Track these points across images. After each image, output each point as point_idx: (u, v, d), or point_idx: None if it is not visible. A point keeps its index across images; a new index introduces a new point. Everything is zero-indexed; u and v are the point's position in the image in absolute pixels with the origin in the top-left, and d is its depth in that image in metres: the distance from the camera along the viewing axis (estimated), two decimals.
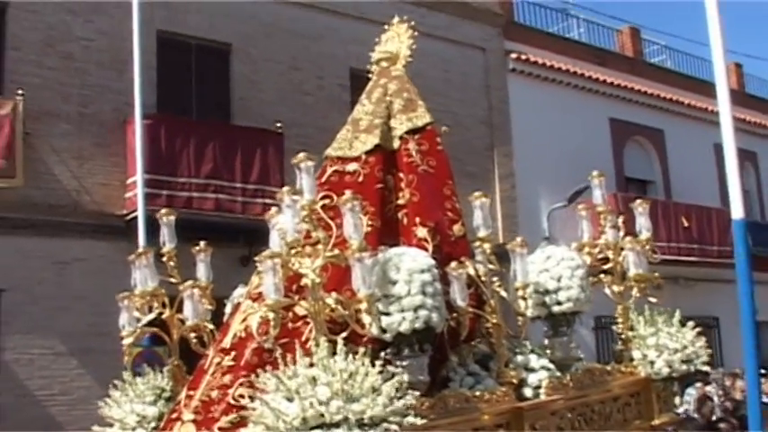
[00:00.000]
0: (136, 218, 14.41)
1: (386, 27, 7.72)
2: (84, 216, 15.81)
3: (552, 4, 24.57)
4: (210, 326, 6.86)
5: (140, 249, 6.89)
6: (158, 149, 16.02)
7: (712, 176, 24.96)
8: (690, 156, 24.90)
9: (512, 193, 21.53)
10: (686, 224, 22.76)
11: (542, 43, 23.06)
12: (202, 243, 7.16)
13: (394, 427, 5.10)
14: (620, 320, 7.47)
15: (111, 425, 6.83)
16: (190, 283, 6.82)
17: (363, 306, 5.55)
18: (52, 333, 15.15)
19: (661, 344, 7.23)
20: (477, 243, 6.60)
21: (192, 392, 6.15)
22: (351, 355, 5.22)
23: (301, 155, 5.83)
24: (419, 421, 5.31)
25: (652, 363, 7.23)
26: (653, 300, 7.48)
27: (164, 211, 7.19)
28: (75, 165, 15.94)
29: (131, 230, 14.61)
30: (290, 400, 5.07)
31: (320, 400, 5.01)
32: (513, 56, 22.13)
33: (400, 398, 5.23)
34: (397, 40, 7.56)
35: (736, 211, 6.59)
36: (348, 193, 5.76)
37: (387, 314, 5.79)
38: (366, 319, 5.61)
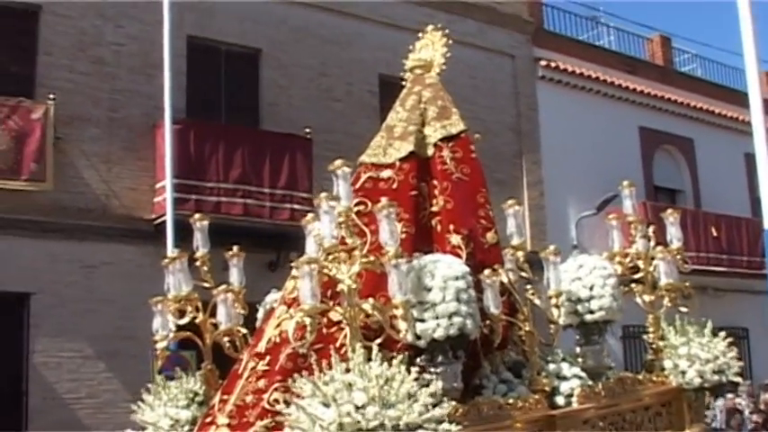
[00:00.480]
0: (164, 222, 14.54)
1: (419, 35, 7.79)
2: (113, 220, 15.97)
3: (582, 11, 24.65)
4: (243, 330, 6.95)
5: (173, 254, 6.98)
6: (187, 154, 16.15)
7: (742, 186, 24.94)
8: (720, 165, 24.88)
9: (540, 200, 21.56)
10: (715, 234, 22.71)
11: (572, 51, 23.10)
12: (235, 248, 7.23)
13: None
14: (651, 330, 7.51)
15: (144, 428, 6.92)
16: (223, 287, 6.91)
17: (399, 312, 5.61)
18: (80, 336, 15.30)
19: (693, 354, 7.25)
20: (511, 251, 6.67)
21: (226, 396, 6.24)
22: (386, 362, 5.30)
23: (338, 161, 5.91)
24: (454, 428, 5.36)
25: (683, 373, 7.25)
26: (684, 309, 7.51)
27: (197, 216, 7.27)
28: (105, 169, 16.11)
29: (159, 235, 14.75)
30: (326, 405, 5.14)
31: (357, 405, 5.08)
32: (543, 63, 22.19)
33: (435, 405, 5.29)
34: (431, 47, 7.63)
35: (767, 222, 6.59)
36: (384, 200, 5.83)
37: (421, 321, 5.86)
38: (402, 325, 5.67)
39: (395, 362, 5.31)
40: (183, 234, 13.65)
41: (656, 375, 7.30)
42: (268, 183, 17.09)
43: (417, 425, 5.15)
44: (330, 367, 5.32)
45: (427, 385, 5.33)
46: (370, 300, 5.68)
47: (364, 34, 19.43)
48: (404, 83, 7.65)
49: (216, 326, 6.91)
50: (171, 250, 12.86)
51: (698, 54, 27.22)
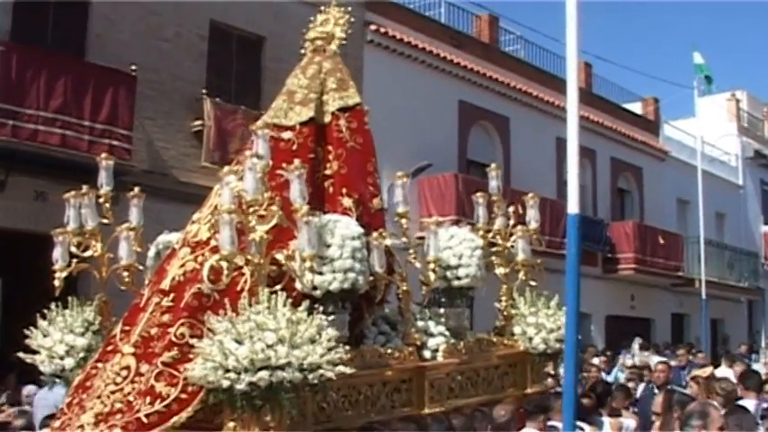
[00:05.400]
0: None
1: (321, 9, 8.74)
2: None
3: None
4: (141, 266, 7.76)
5: (83, 189, 7.67)
6: (8, 78, 16.23)
7: (551, 168, 26.69)
8: (532, 145, 26.49)
9: None
10: (520, 211, 24.13)
11: (402, 19, 24.02)
12: (136, 189, 8.02)
13: (329, 373, 6.17)
14: (503, 299, 8.78)
15: (36, 352, 7.62)
16: (126, 225, 7.68)
17: (307, 264, 6.56)
18: None
19: (540, 323, 8.58)
20: (396, 218, 7.74)
21: (127, 328, 6.97)
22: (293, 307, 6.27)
23: (259, 122, 6.83)
24: (348, 370, 6.39)
25: (530, 339, 8.57)
26: (533, 283, 8.80)
27: (103, 155, 8.03)
28: None
29: None
30: (239, 342, 6.06)
31: (267, 344, 6.03)
32: (372, 27, 22.99)
33: (331, 348, 6.29)
34: (332, 22, 8.60)
35: (572, 206, 7.00)
36: (297, 161, 6.79)
37: (319, 273, 6.84)
38: (308, 275, 6.63)
39: (300, 308, 6.30)
40: None
41: (507, 339, 8.58)
42: (88, 116, 17.30)
43: (318, 365, 6.16)
44: (235, 308, 6.26)
45: (324, 330, 6.34)
46: (284, 251, 6.62)
47: None
48: (302, 51, 8.61)
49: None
50: None
51: (522, 36, 28.83)
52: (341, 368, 6.29)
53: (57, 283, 7.49)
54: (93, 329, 7.64)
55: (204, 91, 19.17)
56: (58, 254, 7.55)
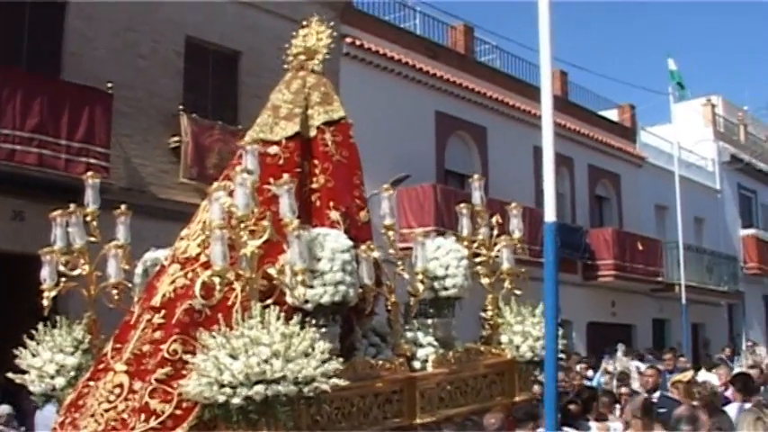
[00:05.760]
0: None
1: (304, 23, 8.85)
2: None
3: None
4: (129, 284, 7.82)
5: (71, 208, 7.73)
6: None
7: (529, 176, 26.82)
8: (510, 155, 26.67)
9: None
10: (500, 221, 24.26)
11: (378, 31, 24.15)
12: (123, 206, 8.09)
13: (324, 386, 6.28)
14: (489, 308, 8.89)
15: (25, 372, 7.67)
16: (114, 243, 7.74)
17: (299, 278, 6.65)
18: None
19: (526, 331, 8.70)
20: (383, 230, 7.85)
21: (119, 345, 7.03)
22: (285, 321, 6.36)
23: (247, 138, 6.91)
24: (341, 383, 6.48)
25: (517, 347, 8.69)
26: (518, 292, 8.92)
27: (89, 173, 8.07)
28: None
29: None
30: (233, 357, 6.15)
31: (262, 358, 6.12)
32: (348, 40, 23.06)
33: (325, 361, 6.38)
34: (314, 37, 8.70)
35: (549, 215, 7.23)
36: (286, 176, 6.89)
37: (310, 287, 6.93)
38: (300, 289, 6.72)
39: (293, 322, 6.39)
40: None
41: (494, 348, 8.70)
42: (65, 134, 17.31)
43: (313, 377, 6.26)
44: (227, 323, 6.34)
45: (317, 343, 6.43)
46: (276, 265, 6.71)
47: None
48: (285, 66, 8.71)
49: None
50: None
51: (498, 46, 28.95)
52: (335, 380, 6.39)
53: (45, 302, 7.55)
54: (82, 348, 7.70)
55: (181, 107, 19.22)
56: (46, 273, 7.60)
